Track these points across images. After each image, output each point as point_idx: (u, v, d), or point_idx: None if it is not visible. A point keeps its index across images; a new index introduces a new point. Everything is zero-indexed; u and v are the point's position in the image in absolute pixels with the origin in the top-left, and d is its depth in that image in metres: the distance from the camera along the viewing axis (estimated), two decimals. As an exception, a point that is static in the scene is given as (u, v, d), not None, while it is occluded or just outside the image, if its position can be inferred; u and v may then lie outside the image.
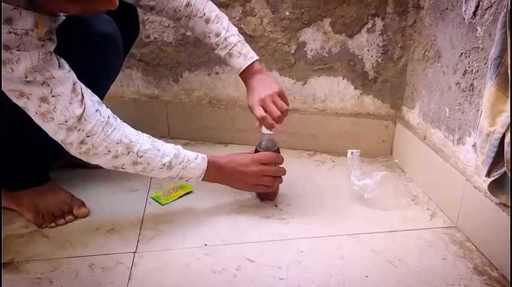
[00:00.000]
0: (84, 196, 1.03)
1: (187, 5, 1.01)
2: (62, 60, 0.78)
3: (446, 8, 1.02)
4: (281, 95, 1.00)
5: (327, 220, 1.00)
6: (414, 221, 1.00)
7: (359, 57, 1.27)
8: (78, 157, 0.83)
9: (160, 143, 0.89)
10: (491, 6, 0.85)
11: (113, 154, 0.83)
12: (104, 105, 0.84)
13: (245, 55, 1.01)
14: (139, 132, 0.88)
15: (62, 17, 0.80)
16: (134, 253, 0.87)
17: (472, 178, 0.93)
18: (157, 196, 1.07)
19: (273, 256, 0.87)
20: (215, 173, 0.96)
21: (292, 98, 1.35)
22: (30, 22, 0.69)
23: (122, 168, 0.87)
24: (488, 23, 0.86)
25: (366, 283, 0.80)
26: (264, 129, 0.99)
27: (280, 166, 1.01)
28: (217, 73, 1.37)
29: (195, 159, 0.93)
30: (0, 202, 0.98)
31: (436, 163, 1.06)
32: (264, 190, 1.01)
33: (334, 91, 1.33)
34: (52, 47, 0.76)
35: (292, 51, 1.29)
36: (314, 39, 1.27)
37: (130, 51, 1.35)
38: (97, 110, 0.81)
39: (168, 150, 0.89)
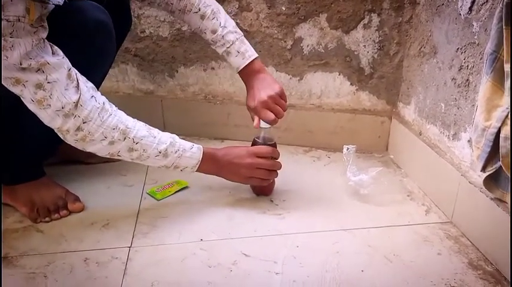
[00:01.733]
0: (79, 191, 1.02)
1: None
2: (55, 47, 0.78)
3: (442, 4, 1.02)
4: (281, 94, 0.99)
5: (323, 215, 1.00)
6: (410, 216, 1.00)
7: (355, 53, 1.27)
8: (74, 144, 0.83)
9: (156, 131, 0.90)
10: (487, 1, 0.85)
11: (109, 139, 0.83)
12: (99, 92, 0.84)
13: (243, 54, 1.00)
14: (136, 119, 0.88)
15: (52, 5, 0.80)
16: (129, 247, 0.87)
17: (467, 173, 0.93)
18: (152, 192, 1.07)
19: (268, 250, 0.87)
20: (210, 164, 0.96)
21: (289, 93, 1.35)
22: (21, 8, 0.69)
23: (118, 155, 0.86)
24: (484, 18, 0.86)
25: (362, 278, 0.80)
26: (262, 124, 0.99)
27: (276, 160, 1.01)
28: (213, 68, 1.36)
29: (190, 148, 0.93)
30: (0, 197, 0.97)
31: (431, 159, 1.06)
32: (258, 183, 1.01)
33: (330, 87, 1.32)
34: (45, 34, 0.76)
35: (289, 47, 1.29)
36: (310, 34, 1.26)
37: (125, 46, 1.35)
38: (92, 96, 0.81)
39: (164, 138, 0.90)
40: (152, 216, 0.98)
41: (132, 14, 1.26)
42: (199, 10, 0.99)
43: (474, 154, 0.82)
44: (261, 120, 0.98)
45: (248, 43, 1.01)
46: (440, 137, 1.06)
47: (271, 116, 0.97)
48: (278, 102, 0.98)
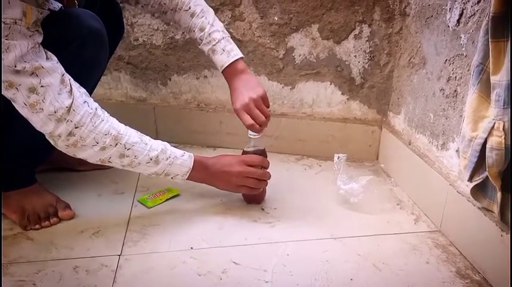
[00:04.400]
0: (69, 198, 1.02)
1: None
2: (50, 53, 0.79)
3: (431, 16, 1.04)
4: (264, 98, 0.99)
5: (313, 223, 1.01)
6: (399, 225, 1.01)
7: (346, 63, 1.28)
8: (65, 150, 0.83)
9: (147, 138, 0.90)
10: (474, 14, 0.86)
11: (101, 145, 0.83)
12: (92, 98, 0.85)
13: (228, 52, 1.00)
14: (127, 126, 0.88)
15: (47, 11, 0.81)
16: (119, 255, 0.87)
17: (456, 183, 0.94)
18: (143, 199, 1.07)
19: (258, 259, 0.87)
20: (201, 172, 0.96)
21: (281, 102, 1.36)
22: (18, 12, 0.70)
23: (109, 161, 0.86)
24: (471, 30, 0.88)
25: (351, 286, 0.80)
26: (251, 133, 0.99)
27: (266, 170, 1.01)
28: (205, 77, 1.37)
29: (181, 156, 0.93)
30: (0, 204, 0.97)
31: (420, 168, 1.07)
32: (248, 191, 1.01)
33: (321, 96, 1.34)
34: (40, 38, 0.77)
35: (281, 56, 1.30)
36: (302, 44, 1.28)
37: (119, 54, 1.35)
38: (85, 102, 0.81)
39: (156, 145, 0.90)
40: (143, 224, 0.98)
41: (126, 22, 1.27)
42: (190, 8, 1.00)
43: (461, 163, 0.83)
44: (249, 130, 0.99)
45: (234, 44, 1.02)
46: (429, 147, 1.07)
47: (250, 121, 0.96)
48: (259, 107, 0.98)
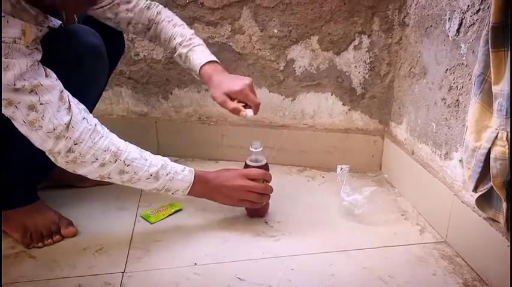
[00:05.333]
0: (72, 215, 1.02)
1: (158, 13, 1.08)
2: (49, 70, 0.79)
3: (431, 26, 1.04)
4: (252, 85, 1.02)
5: (318, 236, 1.00)
6: (404, 236, 1.00)
7: (346, 73, 1.28)
8: (64, 166, 0.83)
9: (147, 153, 0.90)
10: (473, 24, 0.86)
11: (100, 161, 0.83)
12: (91, 115, 0.85)
13: (208, 54, 1.05)
14: (127, 142, 0.88)
15: (46, 28, 0.82)
16: (123, 273, 0.86)
17: (460, 193, 0.93)
18: (146, 215, 1.06)
19: (263, 274, 0.86)
20: (202, 187, 0.96)
21: (282, 114, 1.36)
22: (17, 30, 0.71)
23: (109, 177, 0.86)
24: (471, 40, 0.87)
25: (357, 300, 0.80)
26: (253, 146, 0.99)
27: (268, 184, 1.01)
28: (206, 90, 1.37)
29: (182, 171, 0.93)
30: (0, 223, 0.96)
31: (424, 178, 1.07)
32: (249, 205, 1.01)
33: (322, 107, 1.34)
34: (39, 56, 0.78)
35: (281, 68, 1.31)
36: (302, 56, 1.28)
37: (120, 69, 1.36)
38: (84, 118, 0.81)
39: (156, 161, 0.90)
40: (146, 240, 0.97)
41: (126, 37, 1.28)
42: (172, 20, 1.08)
43: (465, 174, 0.82)
44: (252, 144, 0.99)
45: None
46: (432, 157, 1.06)
47: (257, 100, 1.00)
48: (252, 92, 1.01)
